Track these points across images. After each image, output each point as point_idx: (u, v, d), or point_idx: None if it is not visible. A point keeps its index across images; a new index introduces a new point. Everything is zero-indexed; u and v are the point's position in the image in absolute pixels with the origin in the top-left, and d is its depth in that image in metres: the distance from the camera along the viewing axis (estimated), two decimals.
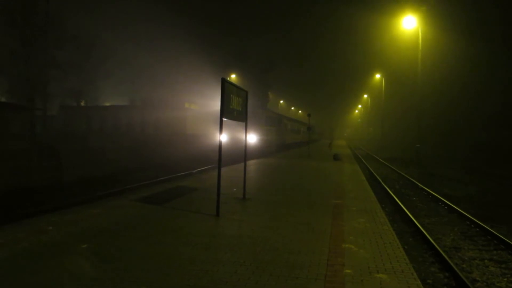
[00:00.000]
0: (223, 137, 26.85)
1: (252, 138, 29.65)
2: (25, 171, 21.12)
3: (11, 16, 39.94)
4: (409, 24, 39.13)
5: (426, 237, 11.38)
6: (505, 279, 8.61)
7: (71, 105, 50.79)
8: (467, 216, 14.19)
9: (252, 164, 25.36)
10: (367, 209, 11.77)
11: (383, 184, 21.86)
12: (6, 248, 7.30)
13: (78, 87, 48.36)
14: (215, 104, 24.02)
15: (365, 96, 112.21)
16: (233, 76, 66.00)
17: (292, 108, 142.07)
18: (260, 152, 30.37)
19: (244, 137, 13.49)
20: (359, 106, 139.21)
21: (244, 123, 13.09)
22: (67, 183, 21.62)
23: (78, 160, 25.01)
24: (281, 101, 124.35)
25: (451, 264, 9.01)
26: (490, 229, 12.30)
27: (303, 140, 65.72)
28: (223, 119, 10.46)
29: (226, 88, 10.55)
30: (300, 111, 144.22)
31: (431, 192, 19.39)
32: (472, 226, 13.34)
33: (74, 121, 43.13)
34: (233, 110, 11.44)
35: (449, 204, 16.34)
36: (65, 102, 50.33)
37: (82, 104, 52.64)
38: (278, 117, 46.22)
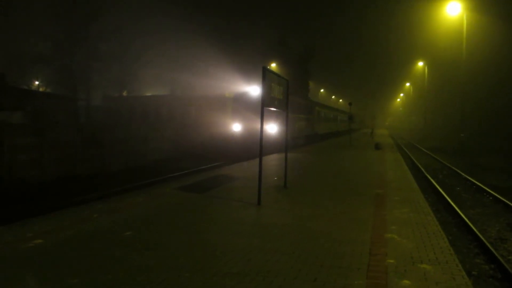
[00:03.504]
0: (237, 127, 26.65)
1: (272, 129, 26.51)
2: (70, 160, 21.61)
3: (55, 9, 40.76)
4: (453, 10, 38.25)
5: (471, 228, 11.18)
6: None
7: (113, 95, 51.57)
8: None
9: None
10: (410, 199, 11.60)
11: (426, 174, 21.54)
12: (54, 236, 7.49)
13: (120, 77, 49.06)
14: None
15: (407, 84, 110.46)
16: (273, 65, 65.80)
17: (333, 97, 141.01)
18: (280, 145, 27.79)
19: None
20: (401, 94, 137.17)
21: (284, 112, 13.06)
22: (111, 172, 22.05)
23: (121, 149, 25.40)
24: (322, 90, 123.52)
25: (497, 255, 8.83)
26: None
27: (341, 129, 63.82)
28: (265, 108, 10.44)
29: (267, 77, 10.53)
30: (340, 100, 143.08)
31: (476, 182, 18.99)
32: None
33: (117, 110, 43.73)
34: (274, 99, 11.42)
35: (494, 195, 15.96)
36: (107, 92, 51.14)
37: (124, 94, 53.38)
38: (308, 103, 42.50)
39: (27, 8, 40.95)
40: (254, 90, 27.34)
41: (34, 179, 18.57)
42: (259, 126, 10.48)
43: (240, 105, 27.20)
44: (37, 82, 49.14)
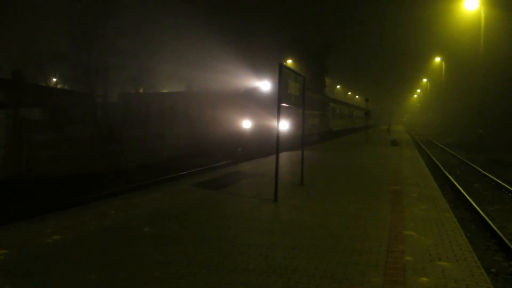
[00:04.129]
0: (247, 124, 25.75)
1: (283, 126, 23.88)
2: (87, 156, 21.79)
3: (72, 6, 41.01)
4: (471, 5, 37.88)
5: (490, 224, 11.06)
6: None
7: (130, 92, 51.79)
8: None
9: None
10: (428, 196, 11.52)
11: (444, 170, 21.37)
12: (72, 231, 7.55)
13: (137, 74, 49.23)
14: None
15: (424, 80, 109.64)
16: (289, 61, 65.64)
17: (349, 93, 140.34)
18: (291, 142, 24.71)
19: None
20: (418, 90, 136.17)
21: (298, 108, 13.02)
22: (127, 168, 22.18)
23: (137, 146, 25.55)
24: (338, 86, 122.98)
25: None
26: None
27: (357, 125, 63.16)
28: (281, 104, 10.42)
29: (284, 73, 10.50)
30: (357, 96, 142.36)
31: (494, 178, 18.80)
32: None
33: (133, 107, 43.94)
34: (291, 95, 11.40)
35: None
36: (124, 89, 51.37)
37: (141, 91, 53.58)
38: (323, 99, 40.70)
39: (44, 5, 41.31)
40: (264, 85, 26.68)
41: (52, 175, 18.76)
42: (270, 122, 10.48)
43: (250, 101, 26.62)
44: (54, 79, 49.48)
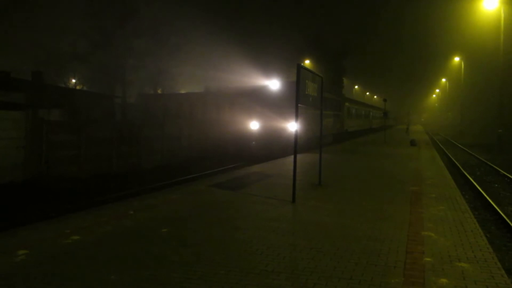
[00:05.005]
0: (255, 126, 25.02)
1: (292, 127, 23.36)
2: (106, 157, 21.96)
3: (92, 8, 41.39)
4: (490, 4, 37.53)
5: (510, 225, 10.95)
6: None
7: (148, 93, 52.08)
8: None
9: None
10: (447, 196, 11.44)
11: (463, 171, 21.19)
12: (91, 232, 7.61)
13: (155, 75, 49.51)
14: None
15: (443, 80, 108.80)
16: (307, 62, 65.50)
17: (367, 93, 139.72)
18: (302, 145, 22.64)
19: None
20: (437, 90, 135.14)
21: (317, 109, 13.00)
22: (146, 169, 22.31)
23: (155, 146, 25.68)
24: (356, 87, 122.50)
25: None
26: None
27: (374, 126, 62.20)
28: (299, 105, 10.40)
29: (302, 74, 10.49)
30: (375, 96, 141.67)
31: None
32: None
33: (152, 108, 44.14)
34: (309, 96, 11.39)
35: None
36: (142, 90, 51.68)
37: (159, 91, 53.85)
38: (336, 99, 38.37)
39: (64, 7, 41.73)
40: (273, 84, 25.74)
41: (71, 175, 18.93)
42: (278, 124, 10.44)
43: (257, 101, 25.78)
44: (74, 80, 49.97)
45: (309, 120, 23.48)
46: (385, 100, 39.61)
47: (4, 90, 20.00)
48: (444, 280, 5.57)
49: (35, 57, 38.54)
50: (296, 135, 10.54)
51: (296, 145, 10.58)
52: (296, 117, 10.43)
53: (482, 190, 15.85)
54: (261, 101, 25.42)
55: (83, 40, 43.14)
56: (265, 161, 20.06)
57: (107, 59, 42.31)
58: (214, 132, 31.45)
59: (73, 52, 42.16)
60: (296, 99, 10.33)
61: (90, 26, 42.01)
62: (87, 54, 42.46)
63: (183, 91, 59.41)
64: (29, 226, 8.45)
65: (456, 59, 76.32)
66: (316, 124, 17.64)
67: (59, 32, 41.89)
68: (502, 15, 36.45)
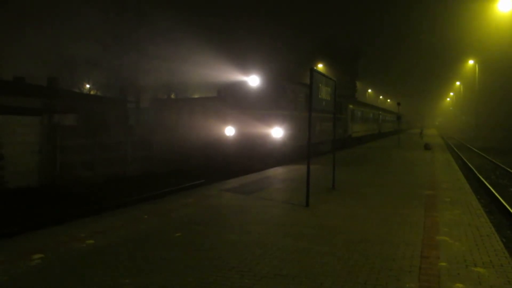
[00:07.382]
0: (231, 131, 21.01)
1: (277, 133, 19.48)
2: (120, 161, 22.08)
3: (105, 13, 41.65)
4: (505, 6, 37.33)
5: None
6: None
7: (161, 98, 52.23)
8: None
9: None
10: (461, 200, 11.35)
11: (478, 175, 21.02)
12: (105, 236, 7.64)
13: (168, 80, 49.63)
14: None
15: (458, 83, 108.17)
16: (320, 65, 65.45)
17: (381, 97, 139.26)
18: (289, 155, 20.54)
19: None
20: (451, 94, 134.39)
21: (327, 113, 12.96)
22: (159, 173, 22.36)
23: (168, 151, 25.77)
24: (369, 90, 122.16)
25: None
26: None
27: (384, 130, 59.17)
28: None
29: (315, 78, 10.48)
30: (388, 100, 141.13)
31: None
32: None
33: (165, 112, 44.28)
34: (322, 100, 11.37)
35: None
36: (155, 95, 51.83)
37: (172, 96, 53.99)
38: (338, 100, 32.30)
39: (78, 12, 42.01)
40: (252, 79, 20.81)
41: (85, 179, 19.06)
42: (256, 129, 10.23)
43: (230, 101, 21.92)
44: (88, 85, 50.29)
45: (300, 125, 20.13)
46: (399, 104, 39.43)
47: (20, 96, 20.20)
48: (459, 285, 5.52)
49: (50, 63, 38.83)
50: (310, 141, 10.54)
51: (310, 151, 10.58)
52: (309, 123, 10.43)
53: (498, 194, 15.71)
54: (238, 102, 21.34)
55: (96, 45, 43.39)
56: (241, 175, 16.96)
57: (121, 63, 42.50)
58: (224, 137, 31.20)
59: (87, 57, 42.41)
60: (309, 104, 10.33)
61: (104, 31, 42.25)
62: (101, 59, 42.69)
63: (196, 95, 59.53)
64: (44, 230, 8.50)
65: (471, 62, 75.94)
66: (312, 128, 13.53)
67: (73, 37, 42.18)
68: None
